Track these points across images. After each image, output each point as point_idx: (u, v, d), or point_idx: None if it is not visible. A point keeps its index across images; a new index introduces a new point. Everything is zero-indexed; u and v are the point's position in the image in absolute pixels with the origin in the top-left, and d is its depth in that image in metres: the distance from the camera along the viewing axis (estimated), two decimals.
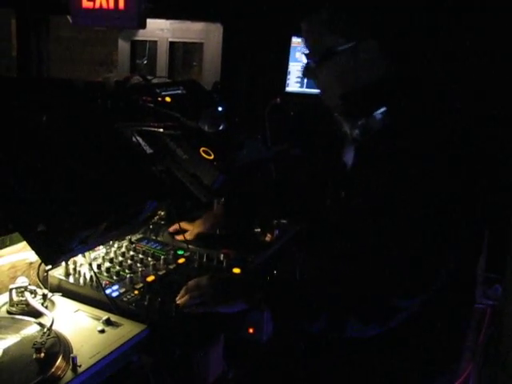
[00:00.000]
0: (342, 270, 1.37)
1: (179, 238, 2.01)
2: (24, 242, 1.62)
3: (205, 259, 1.86)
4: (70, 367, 1.27)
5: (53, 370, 1.24)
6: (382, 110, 1.34)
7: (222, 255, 1.87)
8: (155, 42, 4.42)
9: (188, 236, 2.01)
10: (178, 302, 1.53)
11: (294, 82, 3.47)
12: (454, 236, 1.28)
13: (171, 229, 2.07)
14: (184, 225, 2.05)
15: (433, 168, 1.24)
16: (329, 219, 1.56)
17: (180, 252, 1.91)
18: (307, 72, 1.41)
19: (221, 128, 1.86)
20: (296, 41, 3.49)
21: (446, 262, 1.29)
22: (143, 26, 3.04)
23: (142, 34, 4.22)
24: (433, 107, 1.34)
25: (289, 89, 3.46)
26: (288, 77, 3.46)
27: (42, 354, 1.27)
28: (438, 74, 1.44)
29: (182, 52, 4.62)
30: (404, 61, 1.32)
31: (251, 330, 1.95)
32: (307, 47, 1.38)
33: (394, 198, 1.26)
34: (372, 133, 1.36)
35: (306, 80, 3.49)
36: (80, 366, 1.28)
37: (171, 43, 4.39)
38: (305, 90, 3.49)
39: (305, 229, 1.97)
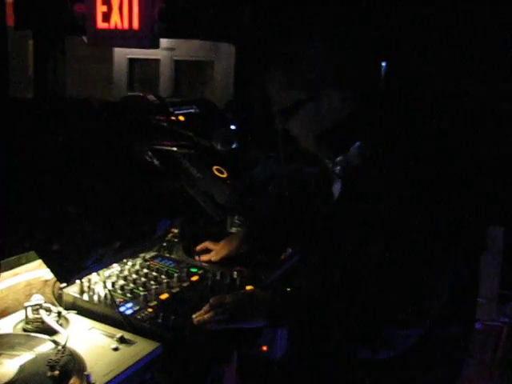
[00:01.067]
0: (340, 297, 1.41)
1: (205, 258, 2.02)
2: (39, 261, 1.64)
3: (218, 277, 1.86)
4: None
5: None
6: (357, 144, 1.40)
7: (235, 273, 1.88)
8: (157, 60, 4.34)
9: (214, 256, 2.02)
10: (200, 318, 1.53)
11: None
12: (445, 264, 1.30)
13: (198, 248, 2.07)
14: (209, 245, 2.06)
15: (413, 197, 1.28)
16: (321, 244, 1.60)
17: (193, 270, 1.92)
18: (279, 123, 1.50)
19: (234, 146, 1.87)
20: None
21: (440, 289, 1.32)
22: (157, 45, 3.08)
23: (142, 52, 4.12)
24: (404, 136, 1.39)
25: None
26: None
27: (57, 372, 1.28)
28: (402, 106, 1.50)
29: (187, 70, 4.59)
30: (366, 100, 1.39)
31: (264, 348, 1.95)
32: (273, 102, 1.47)
33: (377, 228, 1.30)
34: (353, 167, 1.42)
35: None
36: None
37: (176, 61, 4.32)
38: None
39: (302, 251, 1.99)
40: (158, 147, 1.83)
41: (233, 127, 2.07)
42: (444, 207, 1.29)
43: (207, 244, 2.07)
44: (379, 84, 1.46)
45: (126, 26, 3.17)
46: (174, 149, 1.81)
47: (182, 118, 2.00)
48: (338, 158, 1.44)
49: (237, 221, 2.29)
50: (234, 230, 2.32)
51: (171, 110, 2.04)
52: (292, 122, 1.46)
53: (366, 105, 1.39)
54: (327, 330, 1.40)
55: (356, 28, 1.44)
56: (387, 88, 1.51)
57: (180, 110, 2.07)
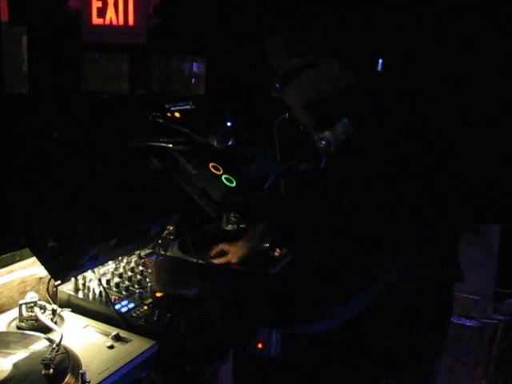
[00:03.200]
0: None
1: (222, 260, 1.99)
2: (34, 258, 1.63)
3: None
4: (79, 383, 1.27)
5: None
6: (344, 121, 1.39)
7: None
8: None
9: (232, 258, 2.00)
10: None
11: None
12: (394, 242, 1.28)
13: (213, 252, 2.03)
14: (225, 247, 2.03)
15: (386, 173, 1.28)
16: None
17: None
18: (275, 93, 1.49)
19: (230, 143, 1.86)
20: None
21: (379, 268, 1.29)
22: (152, 41, 3.06)
23: None
24: (392, 117, 1.40)
25: None
26: None
27: (51, 370, 1.27)
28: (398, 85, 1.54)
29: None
30: (363, 74, 1.39)
31: (260, 345, 1.95)
32: (271, 70, 1.47)
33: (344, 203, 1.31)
34: (338, 143, 1.42)
35: None
36: (89, 382, 1.28)
37: None
38: None
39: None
40: (154, 144, 1.82)
41: (229, 124, 2.06)
42: (415, 195, 1.29)
43: (222, 246, 2.03)
44: (377, 61, 1.49)
45: (121, 21, 3.16)
46: (170, 145, 1.80)
47: (177, 115, 1.99)
48: (325, 133, 1.43)
49: (233, 218, 2.27)
50: (229, 227, 2.31)
51: (167, 106, 2.03)
52: (289, 89, 1.45)
53: (362, 79, 1.39)
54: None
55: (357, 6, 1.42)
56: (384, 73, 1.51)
57: (176, 106, 2.06)
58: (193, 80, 2.47)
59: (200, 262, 1.87)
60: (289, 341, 1.94)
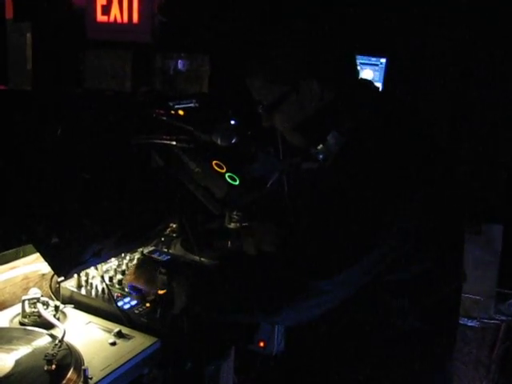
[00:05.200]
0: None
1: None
2: (37, 254, 1.63)
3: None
4: (81, 379, 1.27)
5: (64, 382, 1.25)
6: (333, 133, 1.44)
7: None
8: None
9: None
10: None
11: None
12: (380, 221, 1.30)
13: None
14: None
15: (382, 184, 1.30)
16: None
17: None
18: (265, 122, 1.54)
19: (233, 141, 1.86)
20: None
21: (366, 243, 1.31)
22: (156, 40, 3.07)
23: None
24: (376, 124, 1.43)
25: None
26: None
27: (54, 366, 1.27)
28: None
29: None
30: (342, 87, 1.44)
31: (262, 344, 1.95)
32: (256, 100, 1.52)
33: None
34: (333, 154, 1.47)
35: None
36: (91, 379, 1.28)
37: None
38: None
39: None
40: (158, 141, 1.82)
41: (232, 122, 2.06)
42: (410, 199, 1.31)
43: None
44: (356, 73, 1.51)
45: (125, 19, 3.17)
46: (173, 143, 1.80)
47: (181, 113, 1.99)
48: (319, 147, 1.48)
49: (235, 216, 2.27)
50: (232, 225, 2.31)
51: (171, 104, 2.04)
52: (277, 116, 1.50)
53: (343, 93, 1.44)
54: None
55: (327, 21, 1.45)
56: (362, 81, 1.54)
57: (180, 104, 2.06)
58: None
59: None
60: (291, 339, 1.94)
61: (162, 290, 1.66)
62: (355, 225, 1.29)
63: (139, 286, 1.64)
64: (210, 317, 1.51)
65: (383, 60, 3.30)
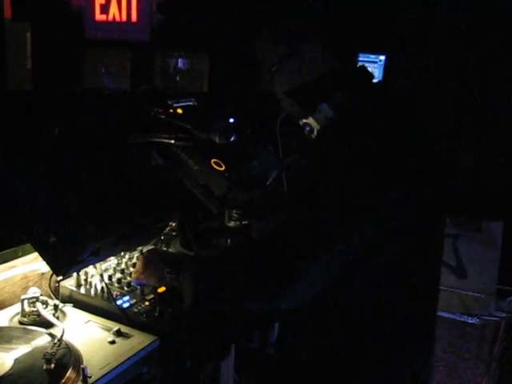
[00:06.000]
0: None
1: None
2: (36, 253, 1.63)
3: None
4: (81, 378, 1.27)
5: (63, 380, 1.25)
6: (323, 105, 1.43)
7: None
8: None
9: None
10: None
11: None
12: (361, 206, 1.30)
13: None
14: None
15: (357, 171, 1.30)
16: None
17: None
18: (266, 84, 1.55)
19: (232, 139, 1.86)
20: None
21: (350, 227, 1.32)
22: (155, 38, 3.06)
23: None
24: (369, 101, 1.44)
25: None
26: None
27: (53, 365, 1.28)
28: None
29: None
30: (342, 59, 1.45)
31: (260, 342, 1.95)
32: (260, 63, 1.54)
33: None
34: (320, 128, 1.46)
35: None
36: (90, 377, 1.28)
37: None
38: None
39: None
40: (156, 140, 1.82)
41: (231, 120, 2.06)
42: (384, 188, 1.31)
43: None
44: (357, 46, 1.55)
45: (124, 18, 3.16)
46: (172, 141, 1.80)
47: (180, 111, 1.99)
48: (308, 119, 1.47)
49: (235, 214, 2.28)
50: (232, 223, 2.31)
51: (170, 102, 2.04)
52: (277, 79, 1.50)
53: (343, 65, 1.45)
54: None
55: None
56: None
57: (179, 102, 2.06)
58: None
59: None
60: (289, 337, 1.94)
61: (161, 287, 1.66)
62: (330, 209, 1.30)
63: (149, 283, 1.65)
64: (215, 307, 1.52)
65: (382, 57, 3.29)
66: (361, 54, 3.29)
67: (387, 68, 3.27)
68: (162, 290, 1.69)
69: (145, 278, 1.63)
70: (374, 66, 3.29)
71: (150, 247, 2.02)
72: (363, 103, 1.42)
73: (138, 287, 1.69)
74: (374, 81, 1.55)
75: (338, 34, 1.45)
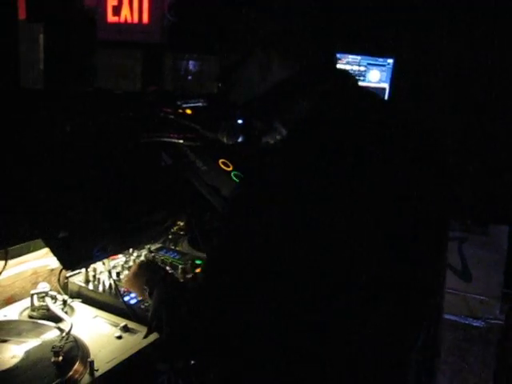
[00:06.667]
0: None
1: None
2: (46, 249, 1.67)
3: None
4: (88, 371, 1.31)
5: (71, 373, 1.28)
6: (276, 122, 1.26)
7: None
8: None
9: None
10: None
11: None
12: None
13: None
14: None
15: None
16: None
17: (198, 262, 1.94)
18: (221, 97, 1.41)
19: (239, 140, 1.88)
20: None
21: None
22: (165, 40, 3.10)
23: None
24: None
25: None
26: None
27: (61, 358, 1.31)
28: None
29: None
30: (300, 69, 1.22)
31: None
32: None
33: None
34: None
35: None
36: (97, 370, 1.31)
37: None
38: None
39: None
40: (165, 139, 1.85)
41: (239, 121, 2.08)
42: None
43: None
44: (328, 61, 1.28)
45: (135, 19, 3.20)
46: (181, 141, 1.83)
47: (189, 112, 2.02)
48: (265, 137, 1.32)
49: None
50: None
51: (179, 103, 2.06)
52: (231, 92, 1.35)
53: (297, 77, 1.22)
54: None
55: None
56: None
57: (188, 103, 2.09)
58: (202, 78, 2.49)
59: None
60: None
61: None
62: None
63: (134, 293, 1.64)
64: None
65: (390, 60, 3.30)
66: (369, 58, 3.32)
67: (395, 71, 3.28)
68: None
69: (130, 287, 1.60)
70: (382, 69, 3.30)
71: (158, 245, 2.05)
72: (313, 120, 1.17)
73: None
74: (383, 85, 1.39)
75: (296, 40, 1.22)
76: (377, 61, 3.29)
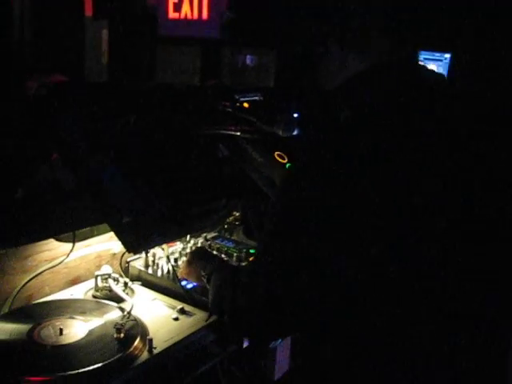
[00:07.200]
0: None
1: None
2: (109, 234, 1.76)
3: None
4: (147, 348, 1.38)
5: (131, 349, 1.36)
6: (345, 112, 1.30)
7: None
8: None
9: None
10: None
11: None
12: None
13: None
14: None
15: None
16: None
17: (252, 251, 1.99)
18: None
19: (294, 133, 1.92)
20: None
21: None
22: (224, 35, 3.18)
23: None
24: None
25: None
26: None
27: (122, 335, 1.39)
28: None
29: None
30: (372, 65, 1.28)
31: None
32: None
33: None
34: None
35: None
36: (155, 348, 1.39)
37: None
38: None
39: None
40: (223, 132, 1.91)
41: (295, 115, 2.12)
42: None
43: None
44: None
45: (195, 15, 3.30)
46: (238, 134, 1.88)
47: (246, 105, 2.07)
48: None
49: None
50: None
51: (236, 96, 2.12)
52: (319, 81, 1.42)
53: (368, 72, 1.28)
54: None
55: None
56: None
57: (245, 97, 2.14)
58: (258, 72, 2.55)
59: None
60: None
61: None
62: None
63: (189, 280, 1.71)
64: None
65: (447, 55, 3.25)
66: (425, 52, 3.28)
67: (452, 66, 3.23)
68: None
69: (186, 275, 1.69)
70: (439, 64, 3.25)
71: (214, 234, 2.12)
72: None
73: None
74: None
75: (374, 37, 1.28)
76: (434, 55, 3.25)
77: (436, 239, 1.16)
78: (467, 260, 1.20)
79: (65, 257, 1.69)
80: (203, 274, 1.56)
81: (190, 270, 1.66)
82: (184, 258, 1.85)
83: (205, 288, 1.65)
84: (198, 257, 1.68)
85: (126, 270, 1.84)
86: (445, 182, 1.17)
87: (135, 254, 1.63)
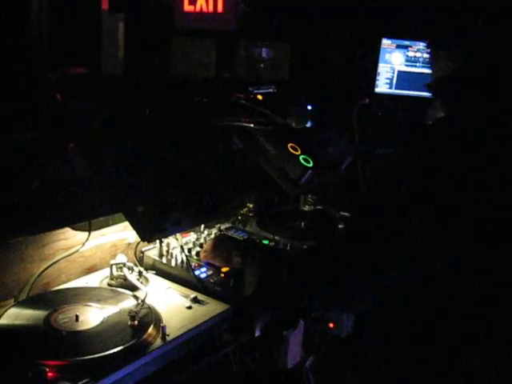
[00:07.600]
0: None
1: None
2: (124, 224, 1.79)
3: (288, 248, 1.94)
4: (160, 335, 1.41)
5: (145, 336, 1.38)
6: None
7: (304, 246, 1.95)
8: None
9: None
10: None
11: (383, 83, 3.49)
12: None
13: None
14: None
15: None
16: None
17: (265, 242, 2.01)
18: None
19: (308, 125, 1.93)
20: (386, 42, 3.50)
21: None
22: (239, 28, 3.18)
23: None
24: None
25: (378, 89, 3.50)
26: (377, 78, 3.49)
27: (136, 322, 1.41)
28: None
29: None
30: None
31: (331, 325, 2.01)
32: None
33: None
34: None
35: (395, 81, 3.50)
36: (168, 335, 1.41)
37: None
38: (394, 91, 3.49)
39: None
40: (237, 123, 1.92)
41: (309, 107, 2.13)
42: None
43: None
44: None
45: (210, 9, 3.31)
46: (251, 125, 1.89)
47: (260, 97, 2.08)
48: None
49: (310, 199, 2.35)
50: (307, 208, 2.38)
51: (251, 89, 2.13)
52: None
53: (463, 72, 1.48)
54: None
55: None
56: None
57: (259, 89, 2.15)
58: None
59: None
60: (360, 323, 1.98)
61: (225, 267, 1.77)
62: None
63: (215, 263, 1.77)
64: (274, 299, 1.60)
65: None
66: None
67: None
68: (225, 269, 1.79)
69: (212, 259, 1.78)
70: None
71: (227, 225, 2.14)
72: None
73: None
74: None
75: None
76: None
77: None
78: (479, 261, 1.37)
79: (81, 246, 1.72)
80: (235, 252, 1.68)
81: (215, 253, 1.78)
82: (198, 248, 1.87)
83: (220, 278, 1.68)
84: (224, 240, 1.84)
85: (140, 260, 1.87)
86: (455, 184, 1.27)
87: (149, 242, 1.66)
